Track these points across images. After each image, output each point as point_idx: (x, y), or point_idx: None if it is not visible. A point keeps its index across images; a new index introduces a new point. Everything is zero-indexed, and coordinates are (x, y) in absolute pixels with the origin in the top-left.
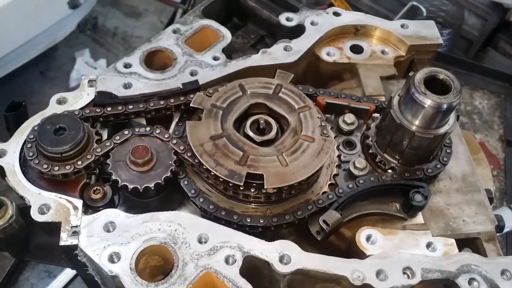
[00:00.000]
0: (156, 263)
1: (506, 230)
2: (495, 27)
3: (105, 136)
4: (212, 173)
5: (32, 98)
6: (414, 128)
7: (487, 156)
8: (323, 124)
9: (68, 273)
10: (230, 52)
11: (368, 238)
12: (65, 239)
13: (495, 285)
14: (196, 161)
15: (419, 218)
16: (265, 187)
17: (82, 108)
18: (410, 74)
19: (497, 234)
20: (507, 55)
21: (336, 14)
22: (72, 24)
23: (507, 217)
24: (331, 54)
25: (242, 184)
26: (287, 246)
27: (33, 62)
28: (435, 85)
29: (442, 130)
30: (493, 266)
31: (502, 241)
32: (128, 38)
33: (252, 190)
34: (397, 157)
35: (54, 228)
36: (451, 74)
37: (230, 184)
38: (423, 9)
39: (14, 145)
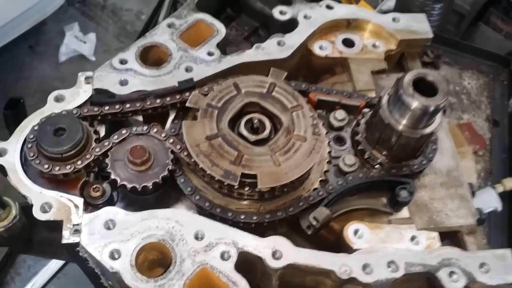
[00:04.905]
0: (154, 257)
1: (488, 210)
2: (487, 2)
3: (102, 132)
4: (207, 173)
5: (22, 73)
6: (401, 127)
7: (473, 136)
8: (315, 122)
9: None
10: (224, 45)
11: (355, 232)
12: (67, 237)
13: (473, 278)
14: (192, 160)
15: (405, 212)
16: (258, 187)
17: (79, 107)
18: (399, 76)
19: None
20: (498, 30)
21: (329, 7)
22: None
23: (491, 198)
24: (323, 48)
25: (237, 184)
26: (279, 242)
27: (22, 36)
28: (424, 86)
29: (428, 130)
30: (473, 260)
31: (486, 221)
32: (117, 11)
33: (246, 189)
34: (385, 153)
35: (56, 226)
36: (439, 76)
37: (225, 184)
38: None
39: (14, 143)
